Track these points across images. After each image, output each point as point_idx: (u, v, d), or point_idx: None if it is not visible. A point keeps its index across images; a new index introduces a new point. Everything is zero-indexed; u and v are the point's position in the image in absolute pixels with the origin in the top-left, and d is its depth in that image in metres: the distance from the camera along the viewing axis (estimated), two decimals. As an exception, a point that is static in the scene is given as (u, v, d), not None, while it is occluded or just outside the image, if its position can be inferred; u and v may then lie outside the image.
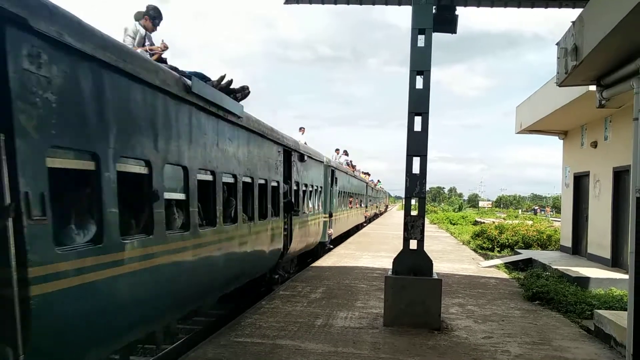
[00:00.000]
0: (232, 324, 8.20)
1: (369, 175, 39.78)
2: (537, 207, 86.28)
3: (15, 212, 3.84)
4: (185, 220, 6.72)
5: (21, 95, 3.92)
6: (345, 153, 28.37)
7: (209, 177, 7.57)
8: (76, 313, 4.55)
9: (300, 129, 19.54)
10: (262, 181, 10.20)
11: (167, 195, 6.23)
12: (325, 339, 7.46)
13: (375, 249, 20.03)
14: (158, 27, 7.62)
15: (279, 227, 11.53)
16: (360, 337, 7.65)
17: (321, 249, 18.49)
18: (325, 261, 16.17)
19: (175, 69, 6.85)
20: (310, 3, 10.70)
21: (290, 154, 12.83)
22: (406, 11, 9.29)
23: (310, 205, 15.82)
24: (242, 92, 8.50)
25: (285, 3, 10.57)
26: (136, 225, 5.72)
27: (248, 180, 9.27)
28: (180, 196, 6.69)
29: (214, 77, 7.88)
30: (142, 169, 5.69)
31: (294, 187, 13.19)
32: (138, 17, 7.45)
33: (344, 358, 6.69)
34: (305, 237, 14.93)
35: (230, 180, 8.47)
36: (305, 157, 14.35)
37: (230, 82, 8.09)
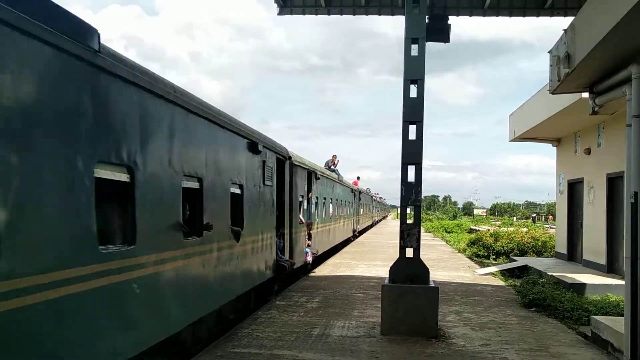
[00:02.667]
0: (229, 334, 8.14)
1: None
2: (534, 215, 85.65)
3: None
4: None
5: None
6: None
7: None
8: None
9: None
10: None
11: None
12: (323, 349, 7.42)
13: (370, 258, 20.01)
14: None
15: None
16: (357, 346, 7.62)
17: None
18: (321, 271, 16.13)
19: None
20: (304, 14, 10.78)
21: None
22: (395, 21, 9.37)
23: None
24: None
25: (278, 14, 10.65)
26: None
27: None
28: None
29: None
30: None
31: None
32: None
33: (342, 367, 6.66)
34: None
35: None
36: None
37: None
